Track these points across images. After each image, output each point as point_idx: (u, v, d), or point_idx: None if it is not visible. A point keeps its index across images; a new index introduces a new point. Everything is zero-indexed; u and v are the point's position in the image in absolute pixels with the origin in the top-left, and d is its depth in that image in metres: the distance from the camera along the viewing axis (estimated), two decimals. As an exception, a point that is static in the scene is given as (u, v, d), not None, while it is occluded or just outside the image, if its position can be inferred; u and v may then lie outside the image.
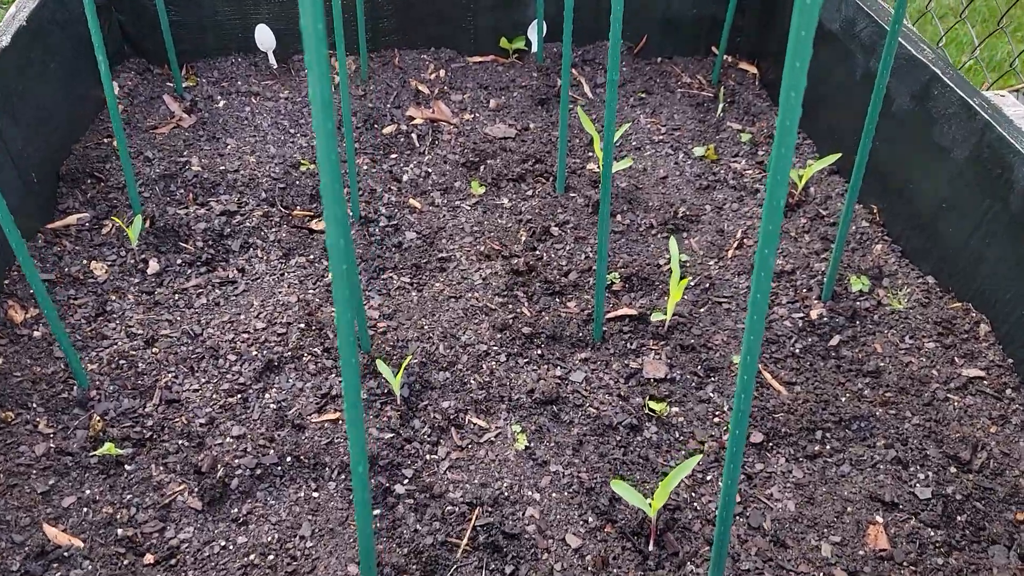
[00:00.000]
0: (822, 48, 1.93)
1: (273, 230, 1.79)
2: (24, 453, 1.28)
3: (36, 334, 1.48)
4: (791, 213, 1.84)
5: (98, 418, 1.33)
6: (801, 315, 1.59)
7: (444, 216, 1.85)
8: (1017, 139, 1.36)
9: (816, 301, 1.61)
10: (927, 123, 1.59)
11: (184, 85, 2.17)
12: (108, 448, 1.27)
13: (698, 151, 2.03)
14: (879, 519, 1.24)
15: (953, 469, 1.30)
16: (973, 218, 1.47)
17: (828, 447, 1.36)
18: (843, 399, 1.43)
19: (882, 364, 1.48)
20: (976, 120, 1.45)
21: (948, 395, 1.41)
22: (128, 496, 1.25)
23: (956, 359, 1.47)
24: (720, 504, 0.88)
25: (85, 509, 1.22)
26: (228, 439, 1.34)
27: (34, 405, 1.35)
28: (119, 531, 1.20)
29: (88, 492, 1.24)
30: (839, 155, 1.80)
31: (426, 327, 1.57)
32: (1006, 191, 1.39)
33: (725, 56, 2.35)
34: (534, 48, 2.31)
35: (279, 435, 1.35)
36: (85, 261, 1.65)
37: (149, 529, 1.21)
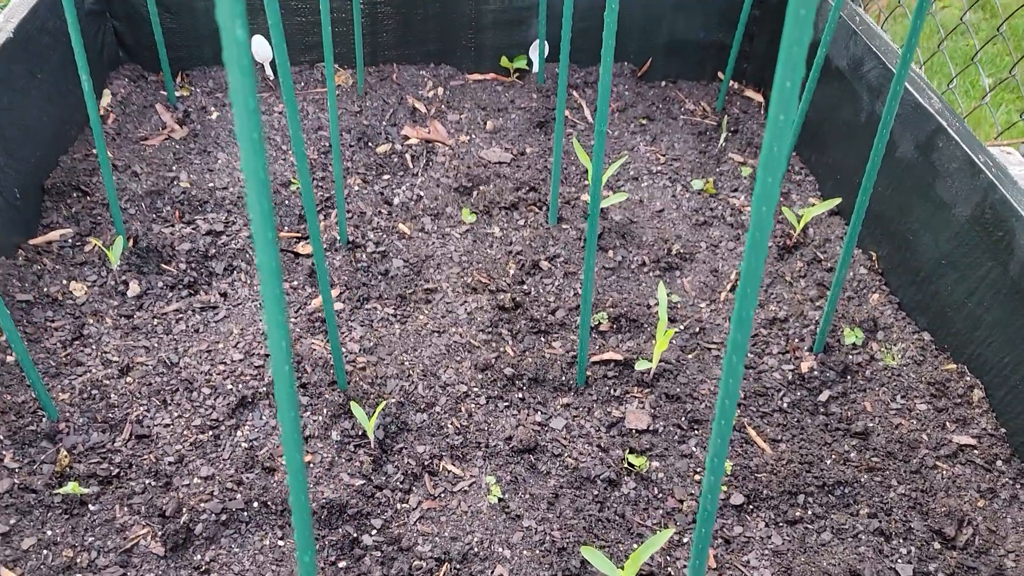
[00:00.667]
0: (828, 85, 1.88)
1: (258, 252, 1.75)
2: (-14, 489, 1.26)
3: (9, 359, 1.46)
4: (788, 255, 1.80)
5: (65, 452, 1.31)
6: (791, 367, 1.55)
7: (433, 244, 1.81)
8: (1020, 203, 1.32)
9: (808, 353, 1.57)
10: (931, 175, 1.54)
11: (178, 94, 2.14)
12: (72, 487, 1.24)
13: (697, 184, 1.99)
14: (857, 596, 1.21)
15: (937, 544, 1.26)
16: (972, 279, 1.43)
17: (810, 512, 1.32)
18: (828, 461, 1.39)
19: (871, 425, 1.44)
20: (980, 178, 1.40)
21: (937, 463, 1.37)
22: (90, 539, 1.22)
23: (947, 424, 1.43)
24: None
25: (45, 552, 1.20)
26: (196, 479, 1.31)
27: (1, 437, 1.33)
28: (78, 576, 1.17)
29: (49, 533, 1.22)
30: (839, 200, 1.75)
31: (407, 363, 1.54)
32: (1007, 256, 1.34)
33: (731, 82, 2.30)
34: (535, 68, 2.26)
35: (248, 477, 1.32)
36: (65, 281, 1.63)
37: (109, 575, 1.18)
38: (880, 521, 1.30)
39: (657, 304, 1.69)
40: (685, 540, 1.29)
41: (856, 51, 1.78)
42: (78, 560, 1.19)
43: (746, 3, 2.00)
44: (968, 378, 1.46)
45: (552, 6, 2.14)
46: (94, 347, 1.52)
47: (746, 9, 2.01)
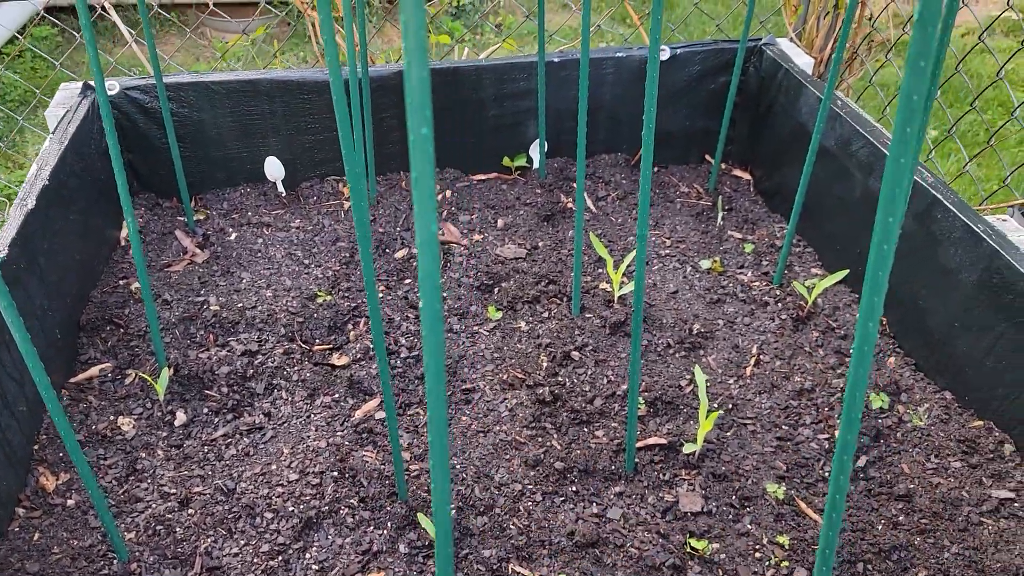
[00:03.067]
0: (819, 163, 2.01)
1: (296, 368, 1.80)
2: (69, 640, 1.26)
3: (70, 502, 1.47)
4: (802, 326, 1.89)
5: (140, 593, 1.32)
6: (826, 436, 1.62)
7: (463, 343, 1.87)
8: (1025, 267, 1.42)
9: (839, 420, 1.65)
10: (932, 244, 1.65)
11: (195, 218, 2.20)
12: (155, 629, 1.25)
13: (704, 264, 2.09)
14: (932, 659, 1.25)
15: (997, 599, 1.32)
16: (987, 340, 1.53)
17: (871, 579, 1.38)
18: (879, 527, 1.45)
19: (912, 486, 1.51)
20: (982, 246, 1.51)
21: (982, 519, 1.44)
22: None
23: (984, 479, 1.50)
24: None
25: None
26: (274, 607, 1.32)
27: (75, 584, 1.33)
28: None
29: None
30: (847, 271, 1.86)
31: (458, 467, 1.58)
32: (1019, 316, 1.44)
33: (720, 164, 2.43)
34: (535, 165, 2.37)
35: (326, 600, 1.33)
36: (112, 416, 1.65)
37: None
38: (939, 581, 1.35)
39: (688, 384, 1.76)
40: (757, 619, 1.33)
41: (843, 132, 1.92)
42: None
43: (731, 92, 2.15)
44: (996, 433, 1.54)
45: (546, 107, 2.26)
46: (150, 481, 1.54)
47: (731, 97, 2.15)
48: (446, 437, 0.65)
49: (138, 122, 2.12)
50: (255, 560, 1.40)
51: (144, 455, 1.58)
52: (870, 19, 2.34)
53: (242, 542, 1.43)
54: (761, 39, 2.30)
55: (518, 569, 1.41)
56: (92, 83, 2.06)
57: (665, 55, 2.27)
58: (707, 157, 2.46)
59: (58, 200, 1.75)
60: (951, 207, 1.59)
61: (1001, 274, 1.48)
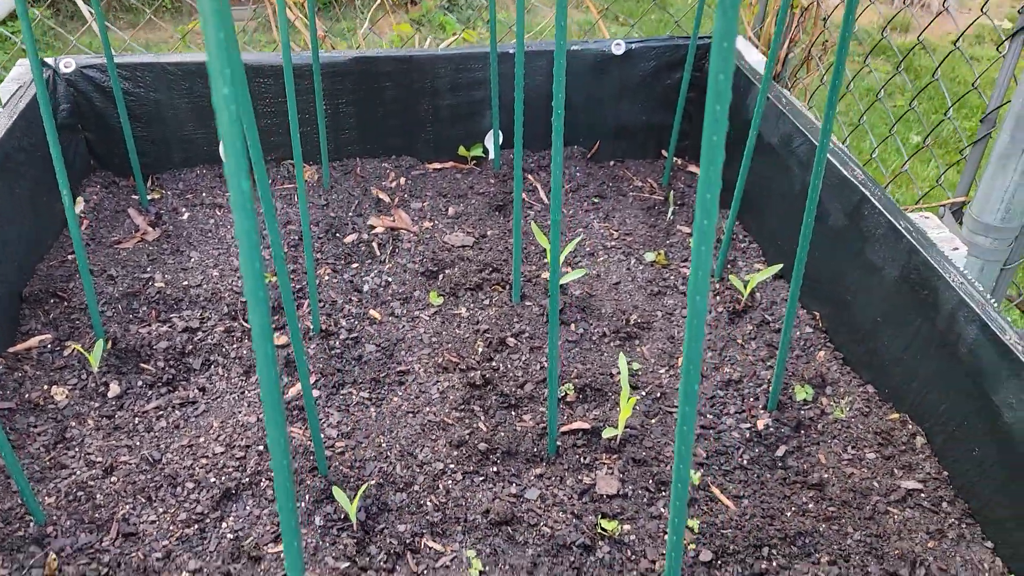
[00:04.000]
0: (764, 160, 2.03)
1: (235, 346, 1.82)
2: (-23, 597, 1.28)
3: (-6, 467, 1.49)
4: (738, 319, 1.91)
5: (54, 556, 1.34)
6: (748, 425, 1.64)
7: (403, 327, 1.90)
8: (940, 264, 1.45)
9: (763, 411, 1.67)
10: (859, 240, 1.67)
11: (149, 197, 2.22)
12: (63, 589, 1.27)
13: (649, 256, 2.11)
14: (823, 641, 1.28)
15: (893, 586, 1.34)
16: (905, 335, 1.55)
17: (775, 564, 1.40)
18: (789, 513, 1.47)
19: (826, 476, 1.53)
20: (903, 243, 1.54)
21: (888, 508, 1.46)
22: (82, 639, 1.25)
23: (895, 470, 1.52)
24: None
25: (38, 656, 1.22)
26: (184, 574, 1.35)
27: (-11, 544, 1.36)
28: None
29: (41, 637, 1.25)
30: (781, 265, 1.88)
31: (384, 445, 1.60)
32: (933, 312, 1.47)
33: (675, 159, 2.45)
34: (491, 156, 2.39)
35: (235, 568, 1.36)
36: (46, 386, 1.67)
37: (102, 675, 1.21)
38: (840, 568, 1.37)
39: (619, 373, 1.78)
40: (660, 599, 1.35)
41: (784, 129, 1.94)
42: (71, 662, 1.22)
43: (683, 88, 2.17)
44: (911, 426, 1.57)
45: (503, 96, 2.29)
46: (77, 449, 1.56)
47: (683, 93, 2.17)
48: (279, 396, 0.67)
49: (95, 100, 2.15)
50: (171, 527, 1.42)
51: (74, 424, 1.61)
52: (824, 21, 2.37)
53: (160, 510, 1.45)
54: (717, 37, 2.33)
55: (431, 544, 1.43)
56: (48, 60, 2.08)
57: (620, 49, 2.29)
58: (663, 152, 2.49)
59: (3, 173, 1.77)
60: (877, 204, 1.62)
61: (918, 270, 1.50)
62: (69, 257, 1.99)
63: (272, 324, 1.89)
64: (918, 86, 3.96)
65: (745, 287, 1.92)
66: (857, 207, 1.68)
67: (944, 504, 1.45)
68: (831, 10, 2.39)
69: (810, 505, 1.48)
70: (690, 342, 0.73)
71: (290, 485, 0.72)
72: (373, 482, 1.51)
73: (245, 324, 1.88)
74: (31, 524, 1.40)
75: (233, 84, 0.58)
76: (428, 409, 1.68)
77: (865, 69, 4.48)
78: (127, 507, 1.45)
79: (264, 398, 0.67)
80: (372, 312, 1.93)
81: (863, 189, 1.66)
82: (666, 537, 1.44)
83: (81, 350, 1.72)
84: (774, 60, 1.72)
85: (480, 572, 1.39)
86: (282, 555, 1.38)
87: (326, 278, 2.02)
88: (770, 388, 1.69)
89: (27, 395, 1.65)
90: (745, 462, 1.58)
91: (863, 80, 4.84)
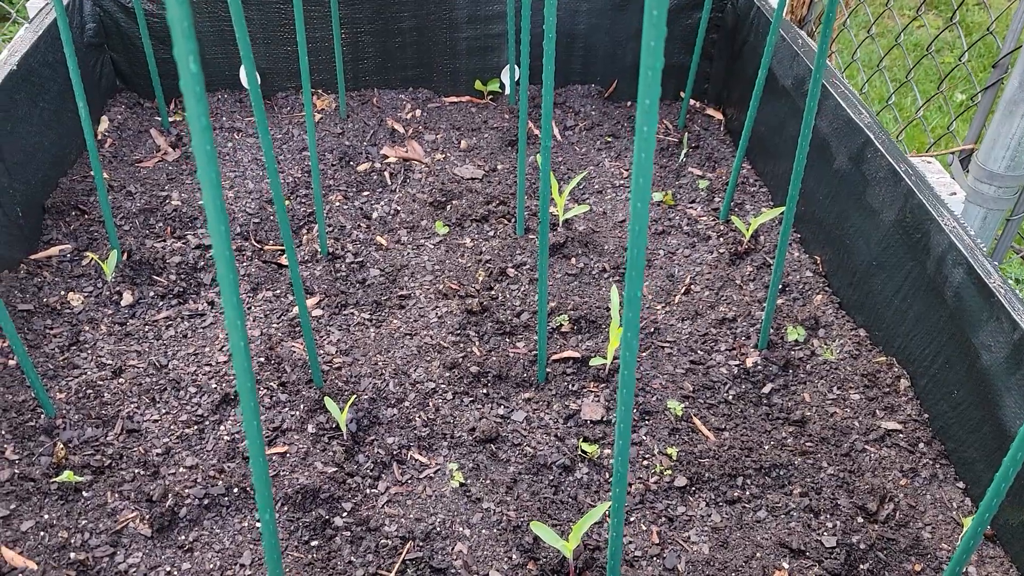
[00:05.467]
0: (778, 102, 2.01)
1: (244, 264, 1.88)
2: (-11, 478, 1.37)
3: (11, 362, 1.58)
4: (739, 261, 1.92)
5: (61, 446, 1.43)
6: (737, 363, 1.67)
7: (408, 254, 1.94)
8: (935, 207, 1.44)
9: (753, 349, 1.69)
10: (862, 183, 1.67)
11: (171, 119, 2.28)
12: (67, 476, 1.36)
13: (656, 196, 2.12)
14: (785, 565, 1.32)
15: (860, 519, 1.37)
16: (897, 278, 1.55)
17: (747, 493, 1.43)
18: (767, 447, 1.50)
19: (808, 414, 1.55)
20: (901, 185, 1.53)
21: (866, 446, 1.48)
22: (83, 521, 1.34)
23: (877, 411, 1.54)
24: (610, 540, 0.96)
25: (42, 533, 1.31)
26: (181, 469, 1.43)
27: (2, 432, 1.45)
28: (72, 555, 1.29)
29: (46, 517, 1.34)
30: (784, 208, 1.88)
31: (380, 364, 1.66)
32: (924, 256, 1.47)
33: (693, 101, 2.43)
34: (507, 91, 2.40)
35: (229, 467, 1.43)
36: (63, 292, 1.75)
37: (100, 554, 1.29)
38: (810, 499, 1.41)
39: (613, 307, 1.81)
40: (632, 519, 1.40)
41: (799, 71, 1.92)
42: (72, 540, 1.31)
43: (701, 28, 2.15)
44: (896, 369, 1.58)
45: (520, 32, 2.28)
46: (89, 352, 1.64)
47: (701, 33, 2.15)
48: (240, 312, 0.72)
49: (120, 21, 2.20)
50: (172, 427, 1.50)
51: (88, 328, 1.69)
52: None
53: (163, 411, 1.53)
54: (742, -23, 2.29)
55: (417, 456, 1.49)
56: (75, -21, 2.13)
57: (641, -13, 2.27)
58: (682, 94, 2.47)
59: (25, 87, 1.83)
60: (880, 147, 1.60)
61: (913, 213, 1.49)
62: (91, 173, 2.06)
63: (281, 247, 1.94)
64: (970, 42, 3.84)
65: (747, 229, 1.92)
66: (861, 150, 1.67)
67: (921, 445, 1.47)
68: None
69: (789, 440, 1.51)
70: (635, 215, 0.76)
71: (247, 363, 0.77)
72: (366, 396, 1.57)
73: (256, 244, 1.94)
74: (42, 416, 1.48)
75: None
76: (425, 332, 1.73)
77: (916, 23, 4.33)
78: (132, 406, 1.53)
79: (224, 300, 0.71)
80: (379, 238, 1.98)
81: (868, 132, 1.64)
82: (645, 463, 1.48)
83: (97, 259, 1.80)
84: (786, 1, 1.69)
85: (461, 484, 1.45)
86: (273, 457, 1.46)
87: (337, 204, 2.07)
88: (762, 327, 1.71)
89: (45, 299, 1.73)
90: (730, 397, 1.61)
91: (912, 35, 4.68)
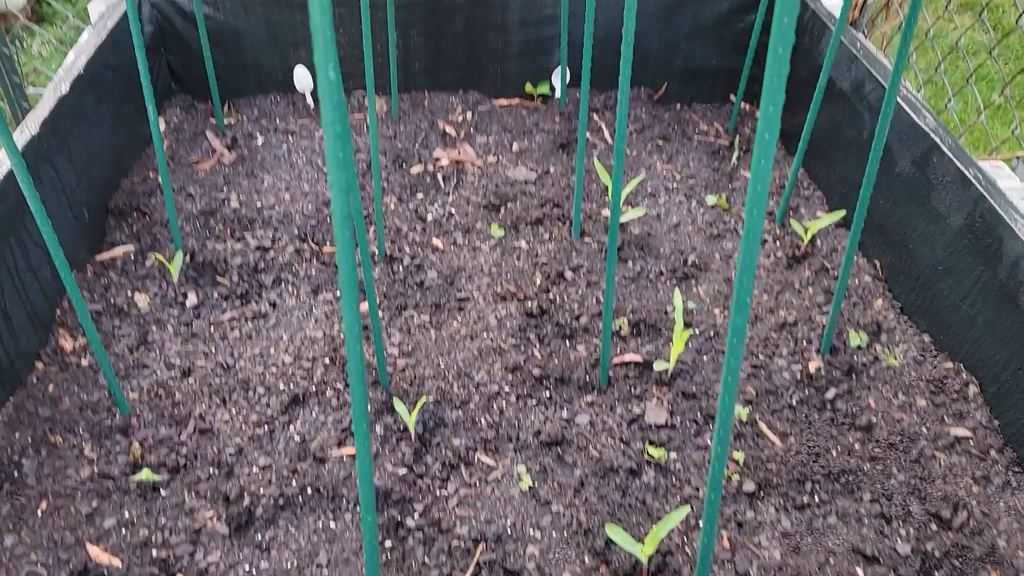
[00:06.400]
0: (833, 106, 2.01)
1: (304, 266, 1.90)
2: (71, 476, 1.40)
3: (84, 362, 1.61)
4: (796, 265, 1.92)
5: (137, 445, 1.45)
6: (800, 367, 1.67)
7: (465, 256, 1.95)
8: (1007, 212, 1.43)
9: (815, 354, 1.69)
10: (927, 188, 1.66)
11: (226, 122, 2.30)
12: (146, 474, 1.38)
13: (711, 199, 2.12)
14: (859, 572, 1.31)
15: (934, 526, 1.37)
16: (966, 283, 1.54)
17: (816, 498, 1.43)
18: (834, 452, 1.50)
19: (874, 419, 1.55)
20: (970, 190, 1.52)
21: (935, 453, 1.48)
22: (162, 520, 1.36)
23: (945, 418, 1.53)
24: (700, 549, 0.97)
25: (124, 531, 1.34)
26: (255, 468, 1.45)
27: (81, 431, 1.48)
28: (154, 552, 1.31)
29: (127, 515, 1.36)
30: (844, 212, 1.87)
31: (442, 365, 1.67)
32: (995, 261, 1.46)
33: (743, 104, 2.43)
34: (557, 94, 2.41)
35: (301, 467, 1.45)
36: (129, 292, 1.78)
37: (181, 552, 1.32)
38: (881, 506, 1.40)
39: (674, 310, 1.81)
40: (701, 524, 1.40)
41: (857, 74, 1.91)
42: (153, 538, 1.33)
43: (755, 31, 2.14)
44: (964, 375, 1.57)
45: (572, 36, 2.29)
46: (158, 352, 1.67)
47: (755, 36, 2.15)
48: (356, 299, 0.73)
49: (176, 24, 2.22)
50: (243, 427, 1.52)
51: (155, 329, 1.71)
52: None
53: (234, 411, 1.55)
54: (794, -21, 2.28)
55: (483, 458, 1.51)
56: (135, -17, 2.15)
57: (693, -10, 2.27)
58: (732, 97, 2.46)
59: (92, 89, 1.86)
60: (947, 151, 1.60)
61: (984, 218, 1.49)
62: (151, 174, 2.09)
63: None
64: (1005, 44, 3.80)
65: (805, 233, 1.92)
66: (926, 154, 1.66)
67: (992, 452, 1.46)
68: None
69: (856, 446, 1.51)
70: (745, 253, 0.77)
71: (363, 393, 0.79)
72: (431, 398, 1.59)
73: (314, 246, 1.96)
74: (117, 415, 1.51)
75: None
76: (486, 334, 1.74)
77: (950, 25, 4.29)
78: (203, 406, 1.55)
79: (343, 307, 0.73)
80: (435, 241, 1.99)
81: (934, 136, 1.64)
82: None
83: (163, 260, 1.82)
84: (849, 4, 1.69)
85: (530, 487, 1.46)
86: (345, 457, 1.47)
87: (392, 207, 2.08)
88: (824, 332, 1.70)
89: (112, 300, 1.76)
90: (794, 402, 1.61)
91: (947, 37, 4.65)
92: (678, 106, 2.45)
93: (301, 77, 2.30)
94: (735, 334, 0.81)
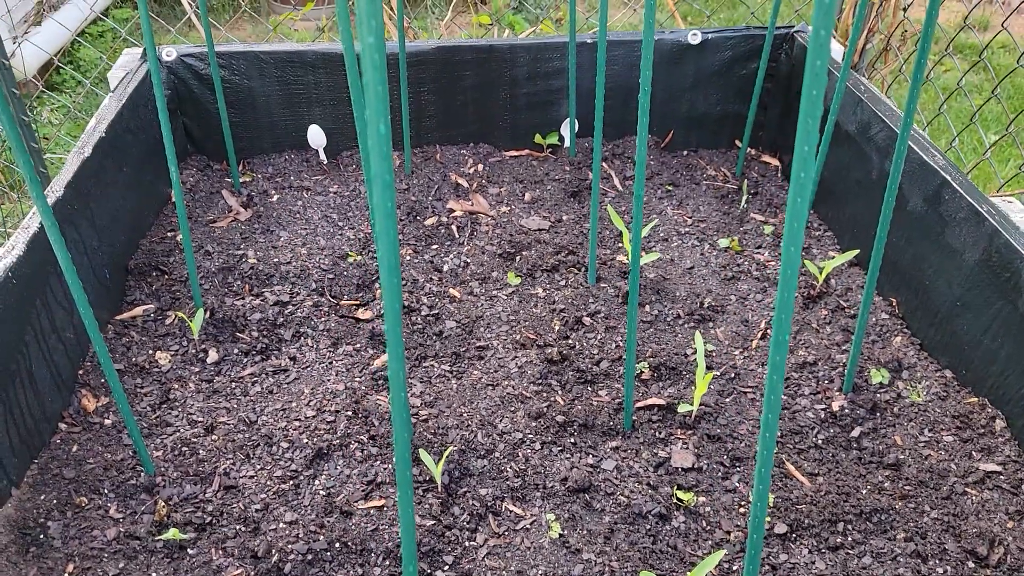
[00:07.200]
0: (841, 148, 2.04)
1: (323, 319, 1.91)
2: (97, 537, 1.39)
3: (107, 422, 1.61)
4: (812, 305, 1.93)
5: (163, 503, 1.44)
6: (823, 407, 1.66)
7: (482, 305, 1.96)
8: (1023, 246, 1.45)
9: (837, 393, 1.69)
10: (940, 225, 1.68)
11: (241, 180, 2.34)
12: (173, 533, 1.37)
13: (723, 242, 2.14)
14: (899, 612, 1.29)
15: (971, 563, 1.35)
16: (985, 318, 1.55)
17: (850, 539, 1.42)
18: (864, 491, 1.49)
19: (902, 456, 1.54)
20: (985, 226, 1.54)
21: (966, 489, 1.47)
22: (190, 579, 1.34)
23: (974, 453, 1.53)
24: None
25: (151, 591, 1.32)
26: (281, 524, 1.44)
27: (105, 491, 1.47)
28: (182, 613, 1.29)
29: (154, 575, 1.34)
30: (857, 251, 1.89)
31: (465, 415, 1.67)
32: (1015, 295, 1.47)
33: (748, 149, 2.47)
34: (566, 143, 2.45)
35: (328, 521, 1.44)
36: (150, 351, 1.79)
37: (209, 611, 1.30)
38: (916, 544, 1.39)
39: (693, 353, 1.81)
40: (735, 568, 1.39)
41: (863, 116, 1.95)
42: (181, 598, 1.31)
43: (759, 76, 2.19)
44: (990, 410, 1.56)
45: (579, 86, 2.34)
46: (180, 409, 1.67)
47: (759, 82, 2.19)
48: (400, 332, 0.74)
49: (193, 88, 2.27)
50: (268, 483, 1.51)
51: (177, 386, 1.72)
52: (904, 11, 2.35)
53: (258, 466, 1.54)
54: (794, 26, 2.34)
55: (511, 507, 1.49)
56: (152, 49, 2.21)
57: (696, 39, 2.32)
58: (737, 142, 2.50)
59: (113, 152, 1.90)
60: (958, 188, 1.62)
61: (1000, 253, 1.50)
62: (169, 234, 2.11)
63: (357, 301, 1.98)
64: (992, 84, 3.88)
65: (820, 272, 1.93)
66: (937, 192, 1.68)
67: (1024, 486, 1.45)
68: (910, 0, 2.38)
69: (886, 484, 1.50)
70: (782, 294, 0.78)
71: (407, 454, 0.79)
72: (455, 448, 1.58)
73: (332, 299, 1.97)
74: (142, 474, 1.50)
75: (376, 35, 0.64)
76: (507, 383, 1.74)
77: (941, 67, 4.38)
78: (227, 462, 1.55)
79: (390, 362, 0.74)
80: (452, 291, 2.00)
81: (944, 174, 1.66)
82: (742, 510, 1.47)
83: (184, 317, 1.83)
84: (853, 49, 1.73)
85: (559, 535, 1.44)
86: (372, 511, 1.46)
87: (407, 258, 2.10)
88: (845, 371, 1.71)
89: (134, 359, 1.76)
90: (820, 441, 1.60)
91: (940, 79, 4.74)
92: (684, 152, 2.49)
93: (315, 135, 2.34)
94: (775, 371, 0.82)
